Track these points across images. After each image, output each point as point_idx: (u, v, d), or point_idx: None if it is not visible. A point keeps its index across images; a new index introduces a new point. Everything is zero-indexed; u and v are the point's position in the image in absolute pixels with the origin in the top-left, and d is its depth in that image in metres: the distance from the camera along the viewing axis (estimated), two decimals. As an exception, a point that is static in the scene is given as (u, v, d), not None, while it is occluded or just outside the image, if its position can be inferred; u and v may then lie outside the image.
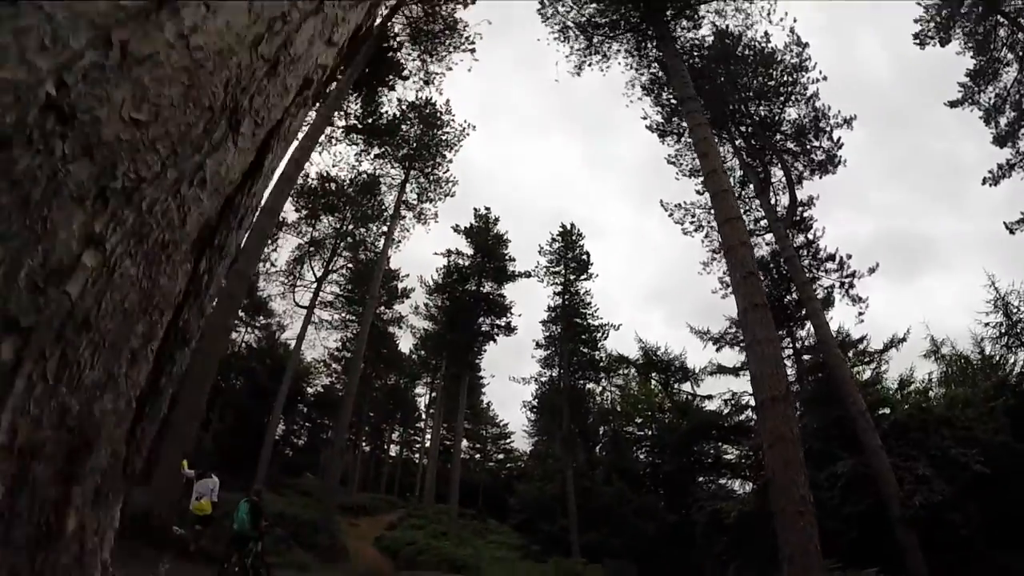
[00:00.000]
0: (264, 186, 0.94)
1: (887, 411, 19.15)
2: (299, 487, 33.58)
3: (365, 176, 31.33)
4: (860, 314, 28.08)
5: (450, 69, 26.35)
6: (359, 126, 27.85)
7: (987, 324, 19.40)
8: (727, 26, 23.07)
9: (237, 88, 0.78)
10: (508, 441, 60.24)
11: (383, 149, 30.11)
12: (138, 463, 0.79)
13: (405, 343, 49.57)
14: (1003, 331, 18.93)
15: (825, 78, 24.19)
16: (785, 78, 24.35)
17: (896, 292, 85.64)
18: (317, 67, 1.01)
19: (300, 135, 20.20)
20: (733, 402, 31.30)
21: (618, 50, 22.56)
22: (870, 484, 15.96)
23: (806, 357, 26.82)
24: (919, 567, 13.98)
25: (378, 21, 23.22)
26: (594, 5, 21.60)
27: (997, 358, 19.27)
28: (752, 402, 27.32)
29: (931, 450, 15.76)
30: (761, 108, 24.88)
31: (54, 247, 0.55)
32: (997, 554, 13.74)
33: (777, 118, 24.74)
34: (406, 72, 26.03)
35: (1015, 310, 18.67)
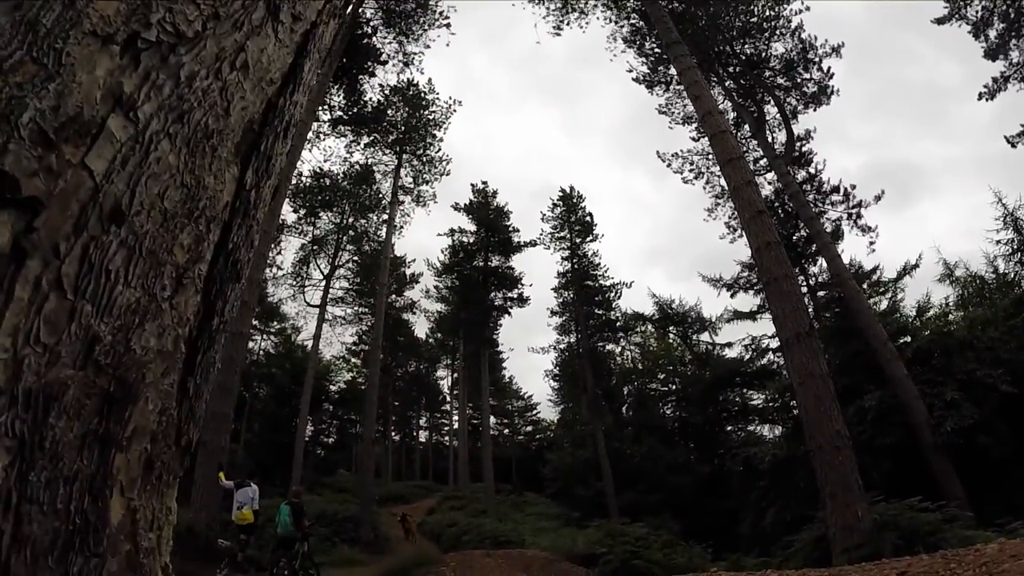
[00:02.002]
0: (304, 96, 0.81)
1: (908, 339, 18.95)
2: (335, 484, 33.85)
3: (358, 167, 31.05)
4: (871, 243, 27.94)
5: (428, 47, 26.02)
6: (345, 117, 27.53)
7: (998, 242, 19.08)
8: (704, -35, 22.58)
9: None
10: (535, 412, 60.46)
11: (372, 137, 29.80)
12: (194, 433, 0.63)
13: (421, 328, 49.60)
14: (1015, 247, 18.62)
15: (808, 8, 23.78)
16: (767, 12, 23.86)
17: (893, 222, 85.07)
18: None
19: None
20: (753, 347, 31.11)
21: (595, 4, 22.23)
22: (899, 414, 15.86)
23: (821, 293, 26.59)
24: (956, 491, 13.91)
25: (348, 8, 22.88)
26: (564, -43, 21.22)
27: (1012, 275, 19.00)
28: (773, 344, 27.25)
29: (957, 374, 15.61)
30: (747, 46, 24.41)
31: (69, 89, 0.42)
32: None
33: (764, 54, 24.30)
34: (384, 56, 25.67)
35: (1025, 225, 18.33)
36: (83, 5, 0.44)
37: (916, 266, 25.49)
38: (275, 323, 40.58)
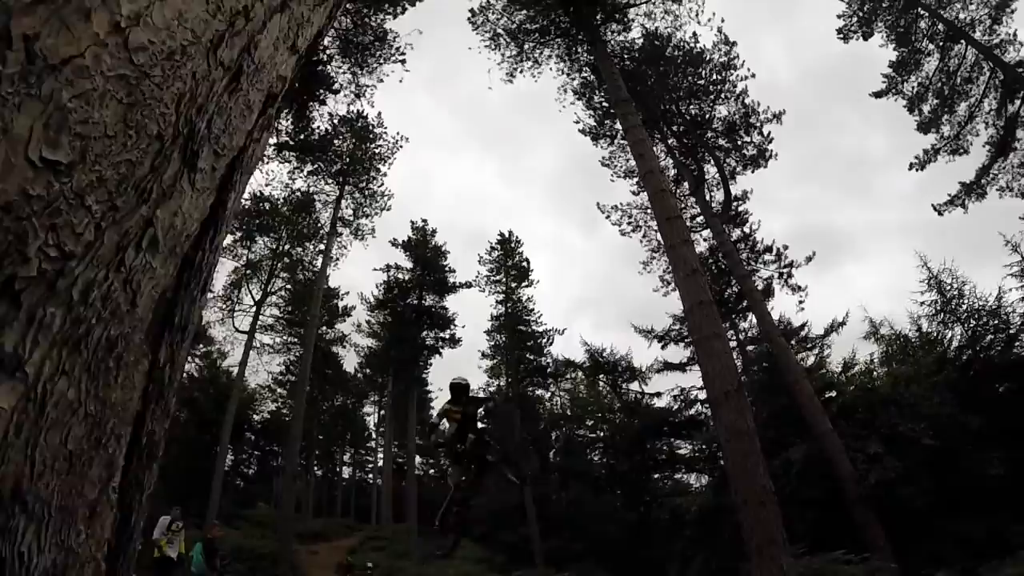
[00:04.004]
0: (225, 235, 0.72)
1: (834, 394, 19.50)
2: (253, 518, 32.50)
3: (299, 194, 30.49)
4: (800, 302, 28.86)
5: (381, 81, 25.92)
6: (291, 143, 27.12)
7: (922, 303, 19.98)
8: (656, 28, 23.30)
9: (192, 107, 0.55)
10: (462, 454, 59.64)
11: (316, 165, 29.38)
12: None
13: (350, 362, 48.55)
14: (938, 308, 19.57)
15: (753, 75, 24.77)
16: (714, 76, 24.77)
17: (821, 283, 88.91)
18: (278, 79, 0.81)
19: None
20: (682, 398, 31.53)
21: (549, 55, 22.63)
22: (824, 467, 16.22)
23: (751, 347, 27.28)
24: (880, 542, 14.28)
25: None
26: (524, 12, 21.57)
27: (935, 334, 19.86)
28: (702, 396, 27.71)
29: (880, 428, 16.10)
30: (692, 107, 25.25)
31: None
32: (952, 522, 14.13)
33: (708, 116, 25.15)
34: (336, 86, 25.47)
35: (948, 287, 19.28)
36: None
37: (843, 323, 26.42)
38: (201, 346, 39.14)
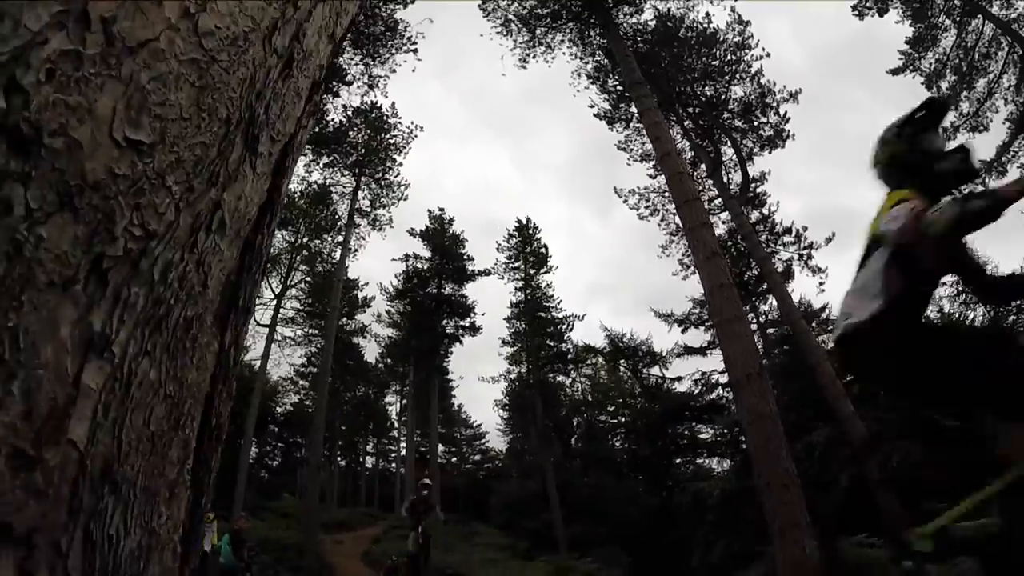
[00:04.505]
0: (279, 218, 0.73)
1: (856, 376, 19.37)
2: (279, 509, 32.91)
3: (316, 187, 30.64)
4: (821, 284, 28.66)
5: (394, 71, 25.96)
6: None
7: (943, 283, 19.80)
8: (668, 9, 23.14)
9: (252, 92, 0.56)
10: (483, 441, 59.92)
11: (332, 157, 29.49)
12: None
13: (371, 353, 48.90)
14: (960, 288, 19.32)
15: (768, 55, 24.44)
16: (729, 57, 24.50)
17: (840, 263, 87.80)
18: (319, 67, 0.81)
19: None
20: (703, 382, 31.47)
21: (562, 40, 22.51)
22: (847, 451, 16.14)
23: (771, 330, 27.14)
24: (904, 524, 14.18)
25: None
26: (534, -4, 21.52)
27: (956, 315, 19.62)
28: (723, 379, 27.60)
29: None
30: (707, 88, 24.98)
31: (37, 384, 0.35)
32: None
33: (724, 97, 24.86)
34: (349, 77, 25.55)
35: (970, 267, 19.09)
36: (32, 251, 0.37)
37: (863, 305, 26.13)
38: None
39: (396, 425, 57.22)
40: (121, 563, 0.42)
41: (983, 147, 25.04)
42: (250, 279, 0.63)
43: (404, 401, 49.69)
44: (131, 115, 0.43)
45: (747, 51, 24.35)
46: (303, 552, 21.01)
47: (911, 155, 2.75)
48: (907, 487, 10.54)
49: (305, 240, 33.67)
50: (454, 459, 61.09)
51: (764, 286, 25.24)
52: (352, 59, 25.29)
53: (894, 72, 25.30)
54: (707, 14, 24.56)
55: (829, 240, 26.64)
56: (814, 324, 25.49)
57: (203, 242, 0.50)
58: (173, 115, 0.47)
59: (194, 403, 0.51)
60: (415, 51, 25.34)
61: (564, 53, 23.13)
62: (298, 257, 34.23)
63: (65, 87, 0.38)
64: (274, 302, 33.46)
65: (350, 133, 29.26)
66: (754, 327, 26.47)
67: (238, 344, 0.63)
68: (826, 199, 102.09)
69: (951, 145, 2.74)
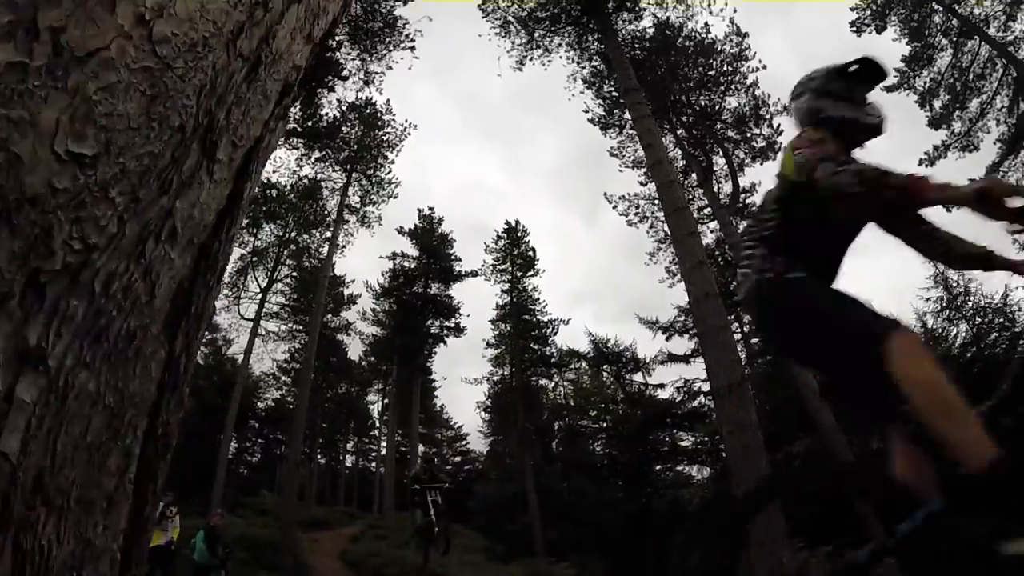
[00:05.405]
0: (241, 223, 0.72)
1: (838, 388, 19.47)
2: (257, 506, 32.72)
3: (306, 181, 30.42)
4: (806, 296, 28.66)
5: (390, 68, 25.86)
6: (299, 129, 27.05)
7: (928, 299, 20.01)
8: (668, 17, 23.20)
9: (212, 98, 0.55)
10: (464, 443, 59.63)
11: (324, 152, 29.31)
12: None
13: (354, 350, 48.62)
14: (944, 305, 19.58)
15: (764, 67, 24.59)
16: (725, 68, 24.64)
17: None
18: (293, 68, 0.81)
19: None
20: (685, 389, 31.56)
21: (559, 44, 22.58)
22: (826, 462, 16.24)
23: (755, 340, 27.24)
24: (881, 535, 14.27)
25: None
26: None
27: (939, 331, 19.87)
28: (705, 388, 27.71)
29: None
30: (702, 98, 25.11)
31: None
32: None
33: (718, 107, 25.02)
34: (345, 72, 25.42)
35: (954, 284, 19.28)
36: None
37: (849, 318, 26.23)
38: (207, 333, 39.21)
39: (377, 424, 57.01)
40: (53, 573, 0.41)
41: (974, 168, 25.36)
42: (204, 286, 0.62)
43: (386, 400, 49.54)
44: (75, 127, 0.42)
45: (743, 62, 24.51)
46: (280, 550, 20.85)
47: (831, 101, 2.63)
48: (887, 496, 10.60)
49: (293, 234, 33.52)
50: (434, 460, 60.81)
51: (750, 297, 25.34)
52: (349, 54, 25.22)
53: (889, 89, 25.54)
54: (706, 24, 24.82)
55: (816, 254, 26.78)
56: (798, 336, 25.58)
57: (152, 251, 0.48)
58: (120, 125, 0.46)
59: (137, 413, 0.50)
60: (413, 48, 25.30)
61: (561, 57, 23.17)
62: (285, 251, 34.10)
63: (8, 101, 0.38)
64: (259, 296, 33.32)
65: (343, 128, 29.10)
66: (739, 337, 26.60)
67: (190, 352, 0.61)
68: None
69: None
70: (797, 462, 16.97)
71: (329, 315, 40.05)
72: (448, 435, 60.43)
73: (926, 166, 24.81)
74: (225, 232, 0.65)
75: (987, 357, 17.36)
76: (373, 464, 60.29)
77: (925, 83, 24.92)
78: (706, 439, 27.57)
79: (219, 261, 0.65)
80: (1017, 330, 17.46)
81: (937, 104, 24.69)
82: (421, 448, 45.16)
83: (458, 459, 60.29)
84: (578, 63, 23.38)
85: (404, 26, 24.98)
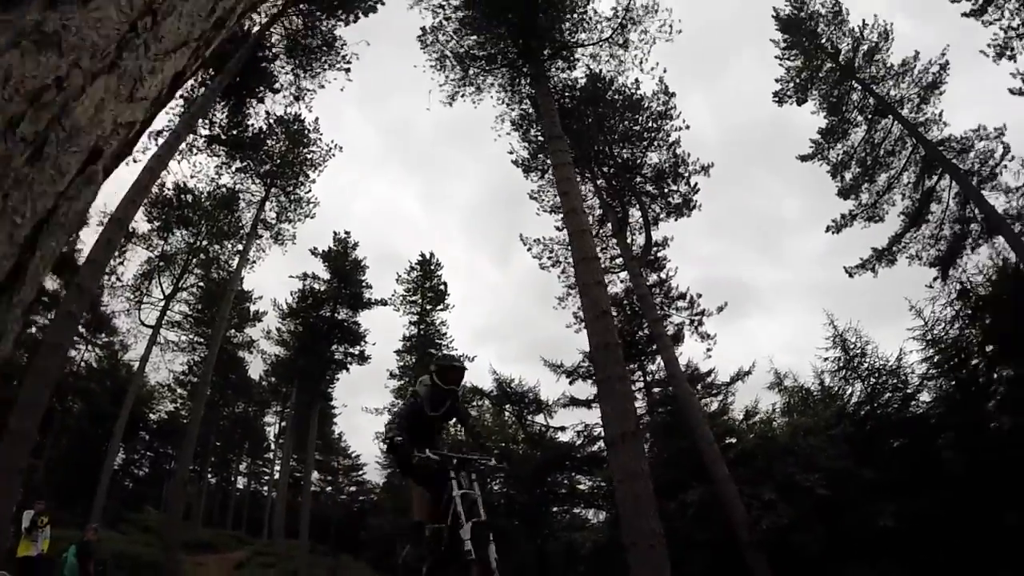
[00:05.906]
0: (33, 290, 0.76)
1: (734, 440, 20.11)
2: (140, 522, 31.03)
3: (224, 190, 29.61)
4: (708, 350, 29.84)
5: (323, 87, 25.78)
6: (223, 137, 26.41)
7: (826, 359, 20.88)
8: (600, 70, 23.86)
9: None
10: (361, 473, 58.13)
11: (245, 163, 28.68)
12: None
13: (255, 369, 47.04)
14: (841, 364, 20.43)
15: (688, 127, 25.59)
16: (651, 124, 25.43)
17: (728, 332, 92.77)
18: (117, 127, 0.85)
19: (159, 141, 18.87)
20: (586, 434, 31.86)
21: (492, 83, 22.93)
22: (719, 511, 16.70)
23: (656, 389, 27.90)
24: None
25: (256, 28, 22.26)
26: (474, 37, 21.88)
27: (836, 389, 20.69)
28: (604, 434, 28.07)
29: (776, 476, 16.65)
30: (625, 151, 25.87)
31: None
32: (841, 569, 14.74)
33: (639, 161, 25.80)
34: (278, 85, 25.12)
35: (852, 345, 20.20)
36: None
37: (748, 372, 27.01)
38: (103, 335, 37.24)
39: (273, 447, 55.15)
40: None
41: (878, 237, 27.08)
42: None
43: (283, 423, 48.09)
44: None
45: (668, 120, 25.40)
46: (161, 572, 19.76)
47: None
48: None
49: (204, 243, 32.49)
50: (329, 488, 59.16)
51: (654, 347, 26.06)
52: (283, 67, 24.99)
53: (803, 158, 27.24)
54: (636, 80, 25.70)
55: (721, 309, 27.86)
56: (699, 387, 26.43)
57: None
58: None
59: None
60: (348, 70, 25.34)
61: (492, 97, 23.59)
62: (194, 260, 32.98)
63: None
64: (162, 303, 32.04)
65: (268, 141, 28.62)
66: (640, 385, 27.26)
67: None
68: (722, 270, 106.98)
69: None
70: (691, 511, 17.37)
71: (232, 330, 38.88)
72: (345, 464, 58.89)
73: (832, 233, 26.48)
74: (8, 302, 0.70)
75: (879, 416, 18.30)
76: (265, 488, 58.16)
77: (838, 155, 26.67)
78: (603, 483, 27.84)
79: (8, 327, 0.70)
80: (909, 391, 18.41)
81: (848, 175, 26.41)
82: (316, 475, 43.86)
83: (353, 489, 58.79)
84: (508, 104, 23.83)
85: (342, 47, 25.02)
